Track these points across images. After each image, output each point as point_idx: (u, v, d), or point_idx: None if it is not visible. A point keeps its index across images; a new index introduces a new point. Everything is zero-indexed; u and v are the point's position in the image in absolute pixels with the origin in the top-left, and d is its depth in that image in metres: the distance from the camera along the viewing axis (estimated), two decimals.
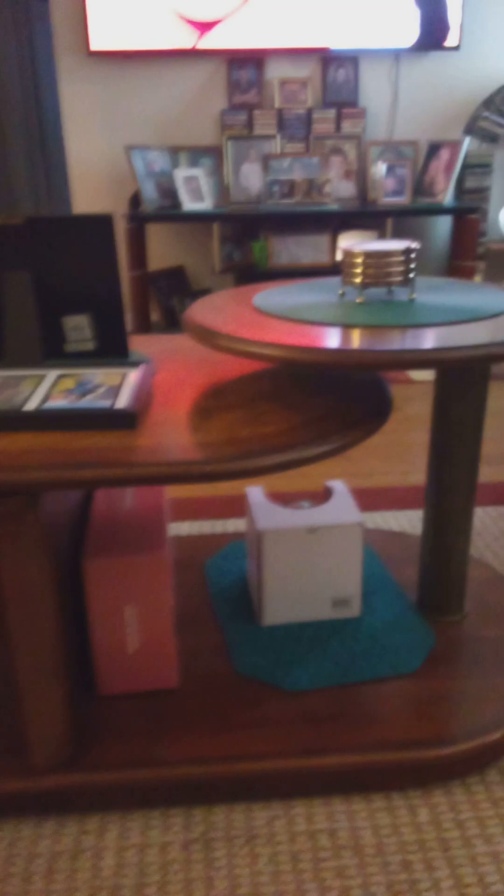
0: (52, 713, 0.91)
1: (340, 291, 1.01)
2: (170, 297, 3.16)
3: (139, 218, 2.84)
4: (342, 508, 1.19)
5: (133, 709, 1.03)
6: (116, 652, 1.03)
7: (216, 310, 0.98)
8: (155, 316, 3.16)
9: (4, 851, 0.91)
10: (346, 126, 3.06)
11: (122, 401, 0.89)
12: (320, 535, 1.14)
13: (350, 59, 3.02)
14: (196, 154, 3.03)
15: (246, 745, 0.96)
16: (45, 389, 0.93)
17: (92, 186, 3.17)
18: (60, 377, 0.98)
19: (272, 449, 0.80)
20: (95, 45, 2.88)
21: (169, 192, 2.92)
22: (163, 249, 3.28)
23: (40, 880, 0.87)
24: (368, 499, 1.83)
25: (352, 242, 0.95)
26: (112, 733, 0.99)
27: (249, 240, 3.09)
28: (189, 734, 0.98)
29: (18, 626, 0.85)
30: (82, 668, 1.09)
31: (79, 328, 1.05)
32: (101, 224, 0.97)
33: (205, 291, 3.25)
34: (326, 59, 3.01)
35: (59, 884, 0.87)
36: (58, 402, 0.89)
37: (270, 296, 1.04)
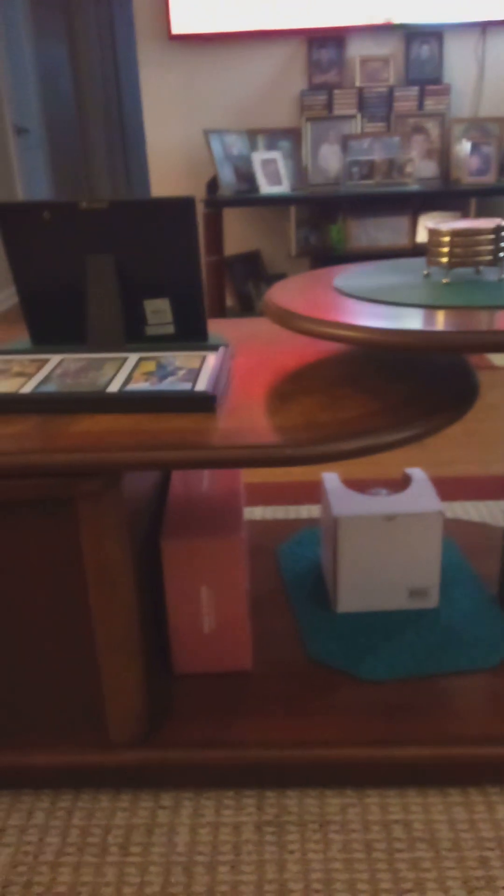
0: (129, 690, 0.92)
1: (425, 272, 0.98)
2: (245, 283, 3.15)
3: (217, 203, 2.84)
4: (421, 496, 1.16)
5: (208, 689, 1.04)
6: (192, 632, 1.05)
7: (296, 292, 0.96)
8: (230, 301, 3.16)
9: (83, 821, 0.93)
10: (429, 104, 2.97)
11: (202, 384, 0.89)
12: (398, 523, 1.12)
13: (434, 34, 2.92)
14: (274, 137, 3.00)
15: (319, 731, 0.96)
16: (127, 372, 0.94)
17: (170, 171, 3.19)
18: (141, 360, 0.99)
19: (351, 434, 0.79)
20: (176, 29, 2.89)
21: (246, 176, 2.91)
22: (238, 234, 3.27)
23: (117, 851, 0.89)
24: (447, 488, 1.78)
25: (438, 221, 0.92)
26: (187, 712, 1.00)
27: (327, 223, 3.05)
28: (262, 717, 0.99)
29: (98, 603, 0.87)
30: (159, 647, 1.10)
31: (159, 312, 1.06)
32: (183, 207, 0.97)
33: (280, 276, 3.23)
34: (409, 35, 2.92)
35: (135, 856, 0.89)
36: (139, 385, 0.90)
37: (351, 277, 1.02)
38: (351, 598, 1.17)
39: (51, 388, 0.90)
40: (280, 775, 0.96)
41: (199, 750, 0.95)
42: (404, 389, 0.90)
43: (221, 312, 3.05)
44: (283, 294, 0.96)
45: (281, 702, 1.01)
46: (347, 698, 1.01)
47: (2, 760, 0.95)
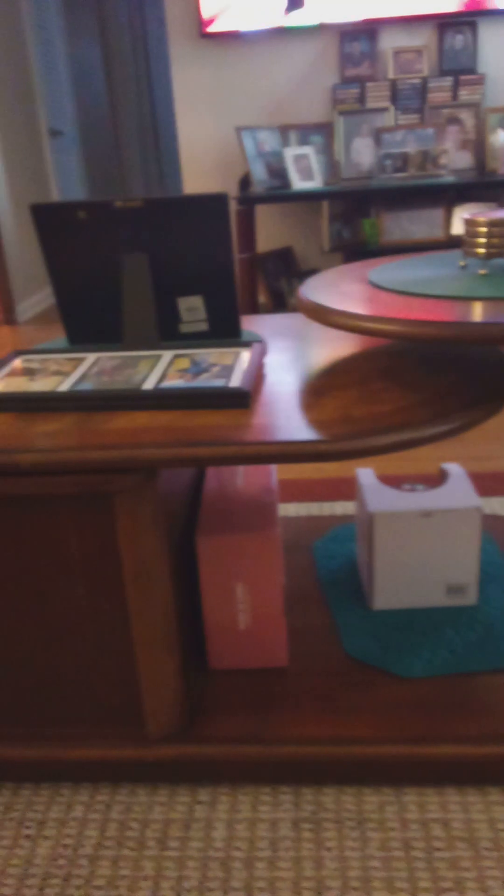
0: (165, 685, 0.93)
1: (462, 263, 0.97)
2: (277, 279, 3.15)
3: (249, 199, 2.84)
4: (459, 492, 1.14)
5: (244, 685, 1.04)
6: (228, 628, 1.05)
7: (330, 286, 0.96)
8: (262, 298, 3.16)
9: (121, 815, 0.94)
10: (464, 94, 2.93)
11: (236, 380, 0.89)
12: (436, 519, 1.11)
13: (468, 24, 2.88)
14: (306, 132, 2.99)
15: (356, 728, 0.95)
16: (162, 369, 0.95)
17: (202, 169, 3.20)
18: (176, 357, 0.99)
19: (388, 428, 0.78)
20: (208, 26, 2.89)
21: (278, 172, 2.90)
22: (271, 231, 3.27)
23: (155, 846, 0.90)
24: (485, 483, 1.76)
25: (474, 212, 0.91)
26: (223, 707, 1.00)
27: (360, 217, 3.03)
28: (299, 713, 0.98)
29: (135, 598, 0.88)
30: (195, 644, 1.11)
31: (193, 309, 1.06)
32: (216, 203, 0.97)
33: (313, 272, 3.22)
34: (443, 24, 2.88)
35: (173, 851, 0.89)
36: (174, 382, 0.90)
37: (386, 270, 1.01)
38: (387, 595, 1.16)
39: (87, 386, 0.91)
40: (317, 772, 0.95)
41: (235, 745, 0.95)
42: (441, 383, 0.88)
43: (254, 310, 3.05)
44: (317, 289, 0.95)
45: (317, 698, 1.00)
46: (385, 695, 1.00)
47: (42, 754, 0.96)
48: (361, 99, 2.96)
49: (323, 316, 0.85)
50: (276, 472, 1.20)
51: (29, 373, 0.98)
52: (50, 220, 1.01)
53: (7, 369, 1.01)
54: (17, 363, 1.03)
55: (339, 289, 0.94)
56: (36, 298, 4.18)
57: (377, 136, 2.85)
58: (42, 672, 0.94)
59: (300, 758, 0.94)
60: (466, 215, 0.91)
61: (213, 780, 0.98)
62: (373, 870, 0.85)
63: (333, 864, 0.86)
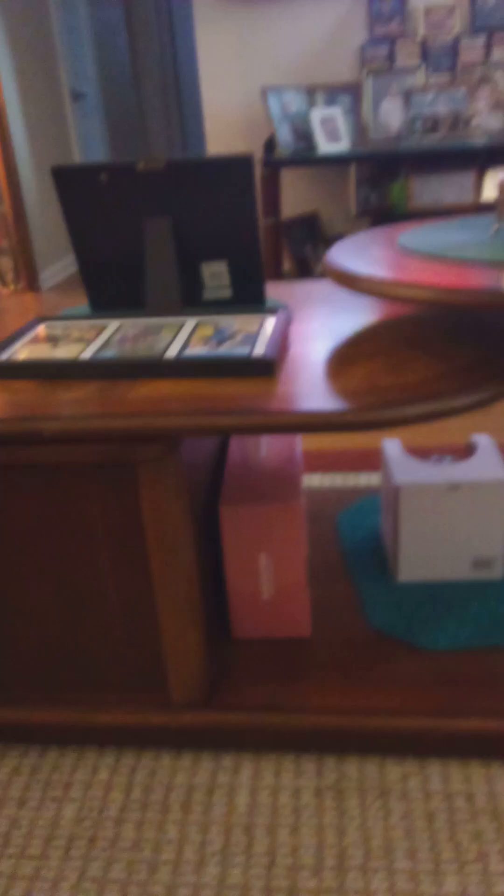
0: (189, 653, 0.93)
1: (494, 227, 0.93)
2: (303, 245, 3.09)
3: (274, 163, 2.78)
4: (487, 464, 1.12)
5: (267, 654, 1.04)
6: (251, 598, 1.04)
7: (358, 251, 0.93)
8: (287, 265, 3.11)
9: (146, 780, 0.95)
10: (497, 53, 2.82)
11: (260, 348, 0.88)
12: (463, 491, 1.09)
13: None
14: (333, 92, 2.90)
15: (379, 699, 0.95)
16: (185, 337, 0.93)
17: (226, 132, 3.13)
18: (199, 324, 0.97)
19: (416, 398, 0.76)
20: None
21: (304, 135, 2.83)
22: (296, 195, 3.20)
23: (178, 810, 0.91)
24: None
25: None
26: (246, 676, 1.00)
27: (388, 181, 2.95)
28: (322, 683, 0.98)
29: (159, 567, 0.87)
30: (219, 613, 1.11)
31: (217, 275, 1.04)
32: (241, 165, 0.94)
33: (339, 237, 3.16)
34: None
35: (196, 815, 0.90)
36: (197, 350, 0.88)
37: (416, 235, 0.98)
38: (412, 567, 1.15)
39: (110, 353, 0.90)
40: (340, 742, 0.95)
41: (258, 714, 0.95)
42: (471, 352, 0.86)
43: (278, 277, 3.01)
44: (345, 253, 0.92)
45: (341, 669, 1.00)
46: (409, 668, 0.99)
47: (68, 718, 0.97)
48: (391, 58, 2.87)
49: (351, 281, 0.83)
50: (300, 442, 1.18)
51: (52, 340, 0.97)
52: (71, 183, 0.99)
53: (30, 336, 1.00)
54: (41, 330, 1.02)
55: (368, 253, 0.91)
56: (60, 265, 4.16)
57: (407, 96, 2.77)
58: (68, 639, 0.95)
59: (323, 727, 0.94)
60: (502, 177, 0.88)
61: (236, 748, 0.98)
62: (395, 840, 0.85)
63: (356, 833, 0.86)
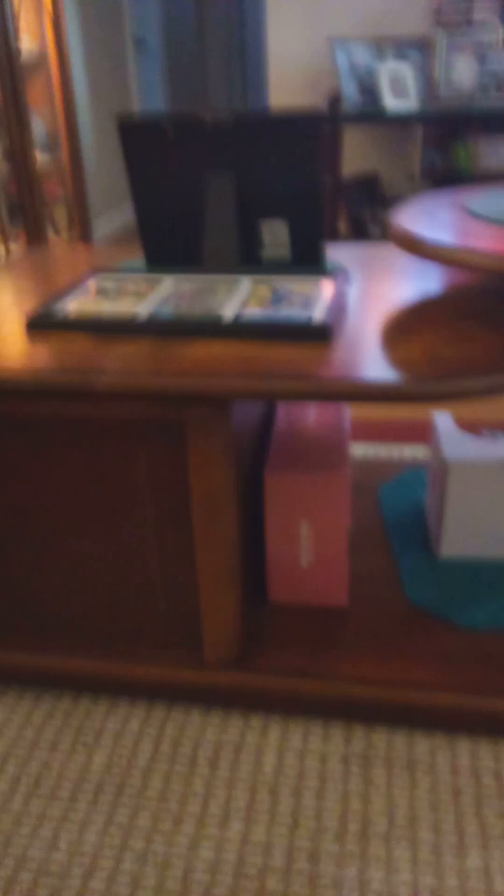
0: (225, 613, 0.93)
1: None
2: (360, 207, 3.01)
3: (339, 119, 2.70)
4: None
5: (302, 621, 1.04)
6: (290, 564, 1.04)
7: (425, 214, 0.90)
8: (342, 227, 3.04)
9: (175, 733, 0.97)
10: None
11: (317, 312, 0.85)
12: None
13: None
14: (403, 47, 2.78)
15: (412, 673, 0.94)
16: (242, 297, 0.91)
17: (289, 84, 3.04)
18: (256, 284, 0.95)
19: (478, 371, 0.73)
20: None
21: (370, 90, 2.73)
22: (356, 153, 3.11)
23: (206, 765, 0.92)
24: None
25: None
26: (281, 641, 1.01)
27: (454, 143, 2.84)
28: (355, 653, 0.98)
29: (201, 528, 0.87)
30: (257, 577, 1.11)
31: (276, 234, 1.01)
32: (311, 123, 0.91)
33: (399, 200, 3.06)
34: None
35: (223, 771, 0.91)
36: (253, 311, 0.87)
37: (486, 199, 0.94)
38: (455, 544, 1.13)
39: (167, 310, 0.89)
40: (370, 712, 0.95)
41: (290, 678, 0.95)
42: None
43: (333, 238, 2.94)
44: (411, 216, 0.89)
45: (376, 641, 1.00)
46: (444, 644, 0.98)
47: (103, 668, 0.99)
48: (466, 12, 2.73)
49: (417, 247, 0.80)
50: (348, 411, 1.16)
51: (104, 293, 0.96)
52: (136, 137, 0.97)
53: (83, 288, 0.99)
54: (94, 283, 1.01)
55: (436, 217, 0.88)
56: (112, 215, 4.14)
57: (481, 53, 2.64)
58: (108, 592, 0.96)
59: (353, 696, 0.94)
60: None
61: (266, 709, 0.99)
62: (420, 811, 0.85)
63: (380, 802, 0.87)
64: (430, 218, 0.88)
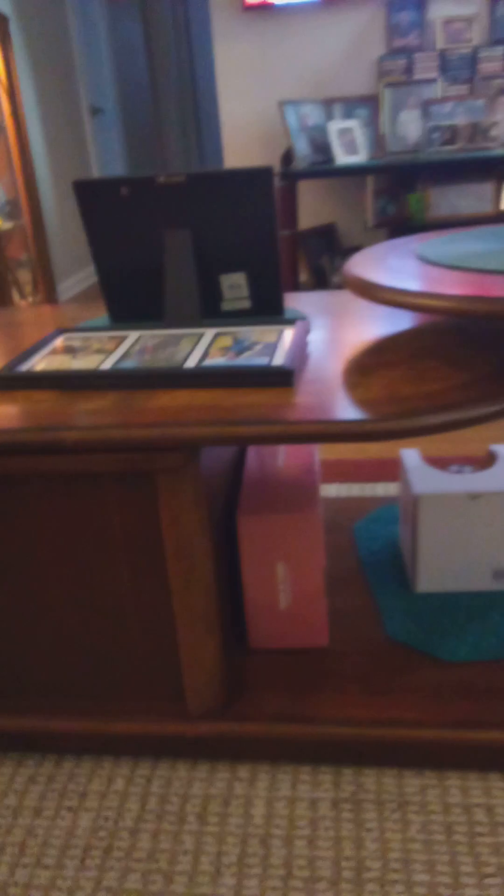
0: (206, 662, 0.93)
1: None
2: (319, 256, 3.10)
3: (292, 175, 2.80)
4: None
5: (284, 664, 1.04)
6: (268, 607, 1.04)
7: (377, 261, 0.93)
8: (303, 276, 3.12)
9: (161, 790, 0.95)
10: None
11: (279, 358, 0.88)
12: (483, 501, 1.08)
13: None
14: (351, 105, 2.92)
15: (398, 710, 0.94)
16: (204, 347, 0.94)
17: (244, 145, 3.16)
18: (218, 335, 0.98)
19: (437, 408, 0.76)
20: None
21: (322, 147, 2.85)
22: (313, 207, 3.22)
23: (195, 821, 0.91)
24: None
25: None
26: (263, 686, 1.00)
27: (405, 192, 2.96)
28: (339, 694, 0.98)
29: (176, 577, 0.88)
30: (236, 622, 1.11)
31: (236, 286, 1.05)
32: (261, 177, 0.95)
33: (356, 249, 3.16)
34: None
35: (213, 825, 0.90)
36: (216, 360, 0.89)
37: (434, 245, 0.98)
38: (431, 578, 1.15)
39: (130, 364, 0.91)
40: (357, 753, 0.95)
41: (275, 724, 0.95)
42: (492, 362, 0.86)
43: (295, 288, 3.02)
44: (364, 264, 0.93)
45: (358, 680, 1.00)
46: (427, 679, 0.99)
47: (84, 727, 0.97)
48: (409, 70, 2.89)
49: (371, 292, 0.83)
50: (318, 452, 1.18)
51: (71, 351, 0.98)
52: (92, 197, 1.00)
53: (50, 347, 1.01)
54: (60, 341, 1.03)
55: (386, 264, 0.92)
56: (77, 277, 4.21)
57: (425, 108, 2.78)
58: (85, 647, 0.95)
59: (340, 738, 0.94)
60: None
61: (253, 758, 0.98)
62: (414, 852, 0.84)
63: (374, 846, 0.86)
64: (381, 264, 0.92)
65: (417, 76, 2.88)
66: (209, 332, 0.99)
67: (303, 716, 0.95)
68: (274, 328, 0.99)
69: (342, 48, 2.95)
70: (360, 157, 2.80)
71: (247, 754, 0.97)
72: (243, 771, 0.97)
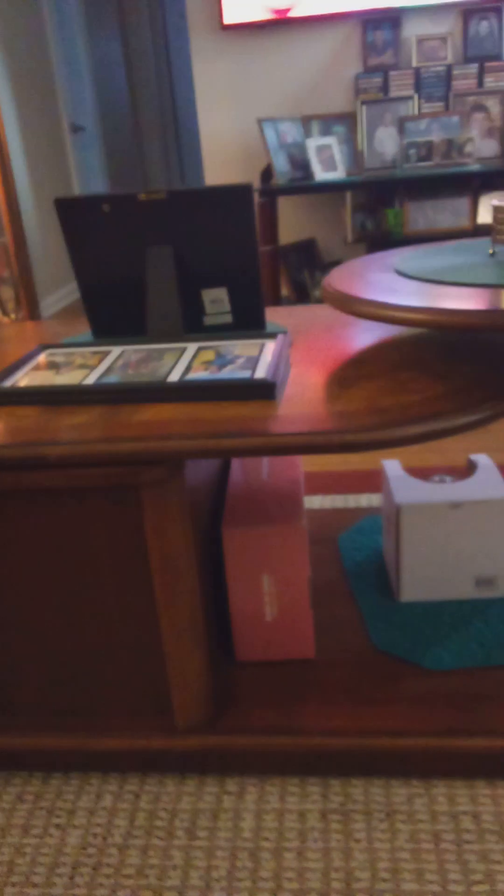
0: (193, 676, 0.93)
1: (490, 251, 0.95)
2: (300, 271, 3.13)
3: (271, 191, 2.83)
4: (488, 483, 1.13)
5: (271, 676, 1.04)
6: (254, 620, 1.05)
7: (356, 275, 0.95)
8: (285, 291, 3.15)
9: (150, 805, 0.95)
10: (490, 81, 2.88)
11: (261, 371, 0.89)
12: (464, 510, 1.09)
13: (493, 10, 2.83)
14: (328, 122, 2.96)
15: (384, 720, 0.95)
16: (187, 362, 0.95)
17: (224, 162, 3.19)
18: (200, 349, 0.99)
19: (416, 418, 0.77)
20: (228, 18, 2.88)
21: (301, 164, 2.88)
22: (293, 222, 3.25)
23: (184, 836, 0.90)
24: None
25: (503, 198, 0.89)
26: (251, 699, 1.00)
27: (383, 208, 3.00)
28: (326, 705, 0.98)
29: (162, 589, 0.88)
30: (222, 635, 1.11)
31: (217, 301, 1.06)
32: (240, 194, 0.96)
33: (336, 263, 3.20)
34: (468, 11, 2.84)
35: (202, 840, 0.89)
36: (199, 374, 0.90)
37: (412, 259, 1.00)
38: (414, 587, 1.16)
39: (113, 379, 0.91)
40: (345, 764, 0.95)
41: (263, 737, 0.95)
42: (469, 372, 0.87)
43: (277, 302, 3.04)
44: (343, 278, 0.94)
45: (345, 690, 1.00)
46: (413, 688, 0.99)
47: (71, 744, 0.97)
48: (385, 88, 2.93)
49: (349, 305, 0.85)
50: (301, 464, 1.19)
51: (54, 366, 0.99)
52: (74, 214, 1.01)
53: (33, 363, 1.01)
54: (43, 357, 1.03)
55: (365, 278, 0.93)
56: (60, 294, 4.21)
57: (401, 125, 2.82)
58: (71, 663, 0.95)
59: (328, 749, 0.94)
60: (496, 202, 0.90)
61: (241, 771, 0.98)
62: (402, 861, 0.85)
63: (362, 856, 0.86)
64: (361, 279, 0.94)
65: (393, 94, 2.93)
66: (192, 347, 1.00)
67: (290, 728, 0.95)
68: (255, 342, 1.00)
69: (319, 66, 3.00)
70: (338, 174, 2.84)
71: (235, 768, 0.97)
72: (232, 784, 0.97)
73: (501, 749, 0.90)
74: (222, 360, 0.94)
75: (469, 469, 1.21)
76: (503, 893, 0.80)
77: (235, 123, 3.12)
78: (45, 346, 1.07)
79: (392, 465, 1.23)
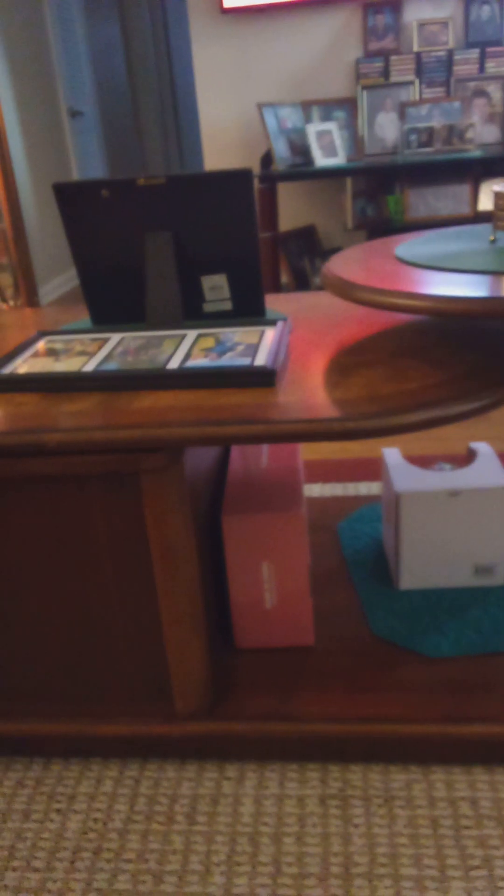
0: (193, 662, 0.93)
1: (491, 238, 0.95)
2: (300, 258, 3.12)
3: (271, 177, 2.81)
4: (487, 471, 1.13)
5: (270, 663, 1.04)
6: (254, 607, 1.05)
7: (356, 262, 0.94)
8: (284, 278, 3.14)
9: (150, 790, 0.95)
10: (491, 66, 2.85)
11: (261, 358, 0.89)
12: (463, 498, 1.09)
13: None
14: (329, 108, 2.94)
15: (383, 706, 0.95)
16: (186, 349, 0.94)
17: (224, 148, 3.16)
18: (200, 336, 0.99)
19: (416, 406, 0.77)
20: (228, 2, 2.85)
21: (301, 149, 2.86)
22: (293, 209, 3.23)
23: (183, 821, 0.91)
24: None
25: None
26: (250, 685, 1.01)
27: (384, 194, 2.98)
28: (325, 691, 0.98)
29: (162, 576, 0.88)
30: (222, 622, 1.11)
31: (217, 288, 1.05)
32: (240, 179, 0.96)
33: (336, 250, 3.18)
34: None
35: (201, 825, 0.90)
36: (198, 361, 0.90)
37: (413, 246, 0.99)
38: (413, 574, 1.16)
39: (112, 366, 0.91)
40: (343, 750, 0.96)
41: (262, 723, 0.95)
42: (470, 360, 0.87)
43: (277, 289, 3.03)
44: (343, 265, 0.94)
45: (344, 677, 1.00)
46: (411, 675, 1.00)
47: (72, 730, 0.97)
48: (385, 73, 2.91)
49: (350, 292, 0.84)
50: (300, 452, 1.19)
51: (53, 353, 0.98)
52: (73, 199, 1.00)
53: (32, 350, 1.01)
54: (42, 344, 1.03)
55: (365, 264, 0.93)
56: (59, 281, 4.19)
57: (402, 110, 2.80)
58: (72, 650, 0.95)
59: (326, 735, 0.95)
60: (497, 188, 0.89)
61: (241, 757, 0.98)
62: (401, 847, 0.85)
63: (361, 841, 0.86)
64: (361, 265, 0.93)
65: (394, 79, 2.90)
66: (191, 334, 1.00)
67: (289, 714, 0.96)
68: (255, 329, 1.00)
69: (320, 51, 2.97)
70: (338, 160, 2.82)
71: (234, 753, 0.98)
72: (231, 770, 0.97)
73: (499, 735, 0.91)
74: (222, 347, 0.93)
75: (469, 457, 1.21)
76: (501, 878, 0.81)
77: (235, 108, 3.10)
78: (44, 333, 1.07)
79: (392, 453, 1.23)
